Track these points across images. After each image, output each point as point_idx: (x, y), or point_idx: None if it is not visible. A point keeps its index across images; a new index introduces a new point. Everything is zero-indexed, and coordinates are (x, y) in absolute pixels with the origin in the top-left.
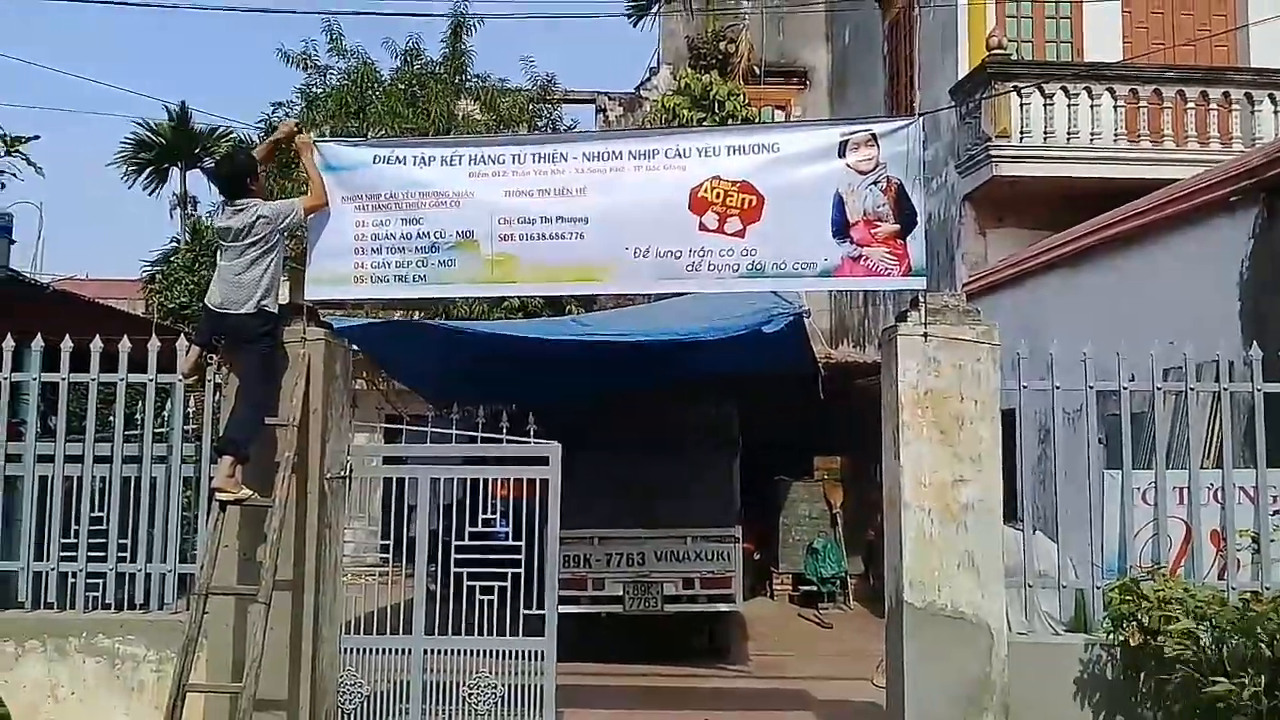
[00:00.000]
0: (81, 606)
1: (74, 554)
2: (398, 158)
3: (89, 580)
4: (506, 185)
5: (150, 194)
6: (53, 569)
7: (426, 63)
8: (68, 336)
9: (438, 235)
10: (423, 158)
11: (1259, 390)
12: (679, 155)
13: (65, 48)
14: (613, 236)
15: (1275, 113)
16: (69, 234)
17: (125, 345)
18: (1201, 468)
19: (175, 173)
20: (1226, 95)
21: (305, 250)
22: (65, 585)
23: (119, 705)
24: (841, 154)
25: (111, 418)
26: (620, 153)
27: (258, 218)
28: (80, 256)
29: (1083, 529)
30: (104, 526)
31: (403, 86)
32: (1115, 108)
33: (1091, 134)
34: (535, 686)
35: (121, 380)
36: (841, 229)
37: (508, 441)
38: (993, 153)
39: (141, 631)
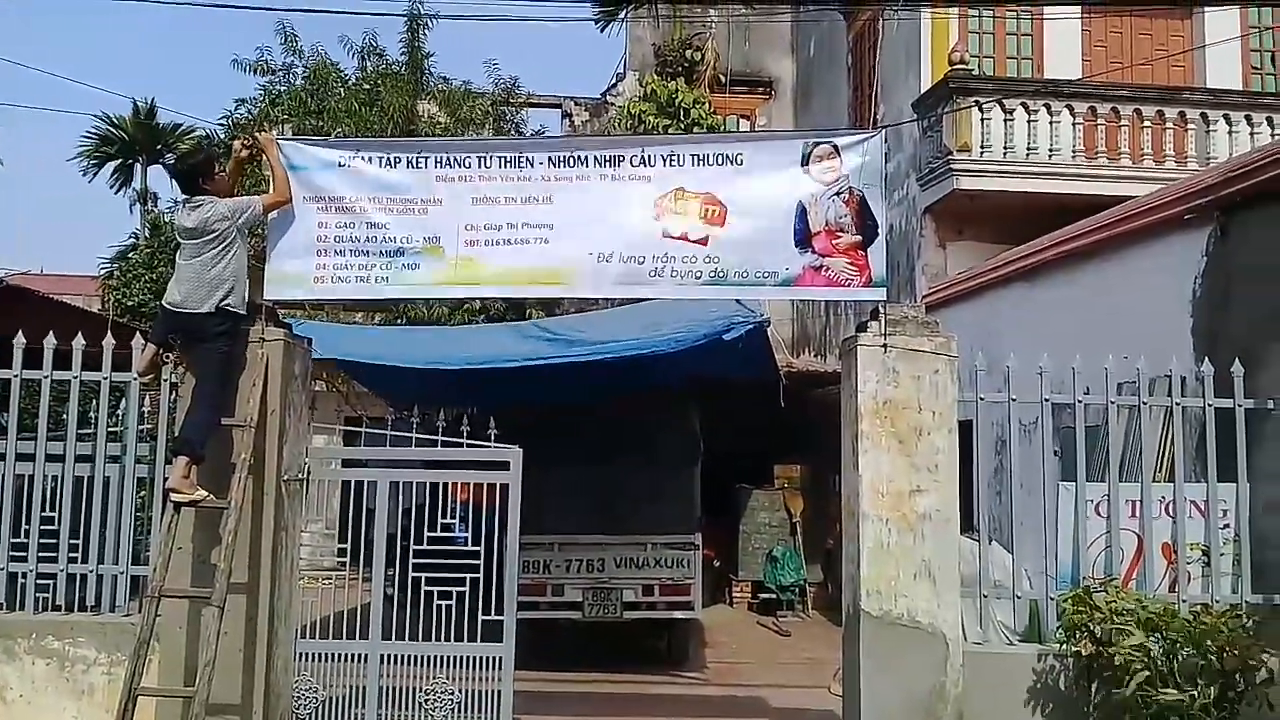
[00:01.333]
0: (31, 607)
1: (24, 554)
2: (363, 159)
3: (39, 581)
4: (474, 191)
5: (115, 190)
6: (2, 569)
7: (389, 63)
8: (20, 333)
9: (404, 240)
10: (389, 159)
11: (1210, 405)
12: (644, 164)
13: (25, 41)
14: (577, 242)
15: (1230, 132)
16: (24, 228)
17: (79, 342)
18: (1154, 481)
19: (138, 169)
20: (1182, 114)
21: (265, 249)
22: (15, 586)
23: (69, 708)
24: (805, 165)
25: (65, 416)
26: (586, 158)
27: (215, 215)
28: (36, 251)
29: (1037, 540)
30: (55, 526)
31: (367, 86)
32: (1074, 124)
33: (1050, 150)
34: (493, 692)
35: (75, 378)
36: (803, 239)
37: (468, 446)
38: (953, 166)
39: (92, 633)
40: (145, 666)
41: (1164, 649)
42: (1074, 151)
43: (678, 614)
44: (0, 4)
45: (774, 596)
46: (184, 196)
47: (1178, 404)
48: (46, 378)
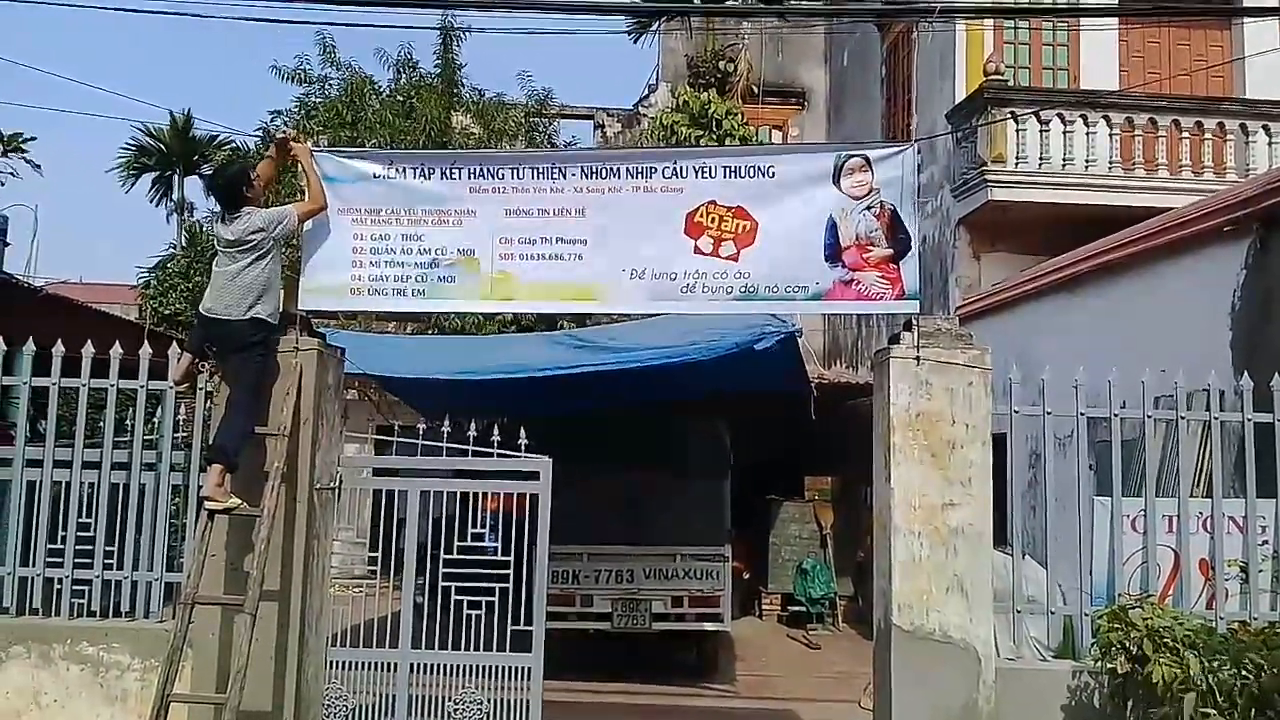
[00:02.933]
0: (67, 613)
1: (60, 560)
2: (398, 171)
3: (75, 587)
4: (507, 203)
5: (154, 203)
6: (38, 575)
7: (421, 74)
8: (60, 341)
9: (439, 251)
10: (423, 170)
11: (1249, 420)
12: (676, 175)
13: (64, 50)
14: (610, 258)
15: (1270, 144)
16: (64, 237)
17: (117, 351)
18: (1191, 496)
19: (175, 179)
20: (1221, 125)
21: (300, 259)
22: (51, 591)
23: (103, 713)
24: (836, 179)
25: (102, 424)
26: (619, 170)
27: (252, 226)
28: (75, 260)
29: (1072, 555)
30: (91, 533)
31: (400, 99)
32: (1110, 135)
33: (1086, 161)
34: (522, 703)
35: (112, 386)
36: (834, 253)
37: (499, 456)
38: (988, 177)
39: (126, 639)
40: (178, 672)
41: (1201, 667)
42: (1110, 163)
43: (707, 626)
44: (43, 19)
45: (804, 609)
46: (223, 210)
47: (1216, 418)
48: (84, 386)
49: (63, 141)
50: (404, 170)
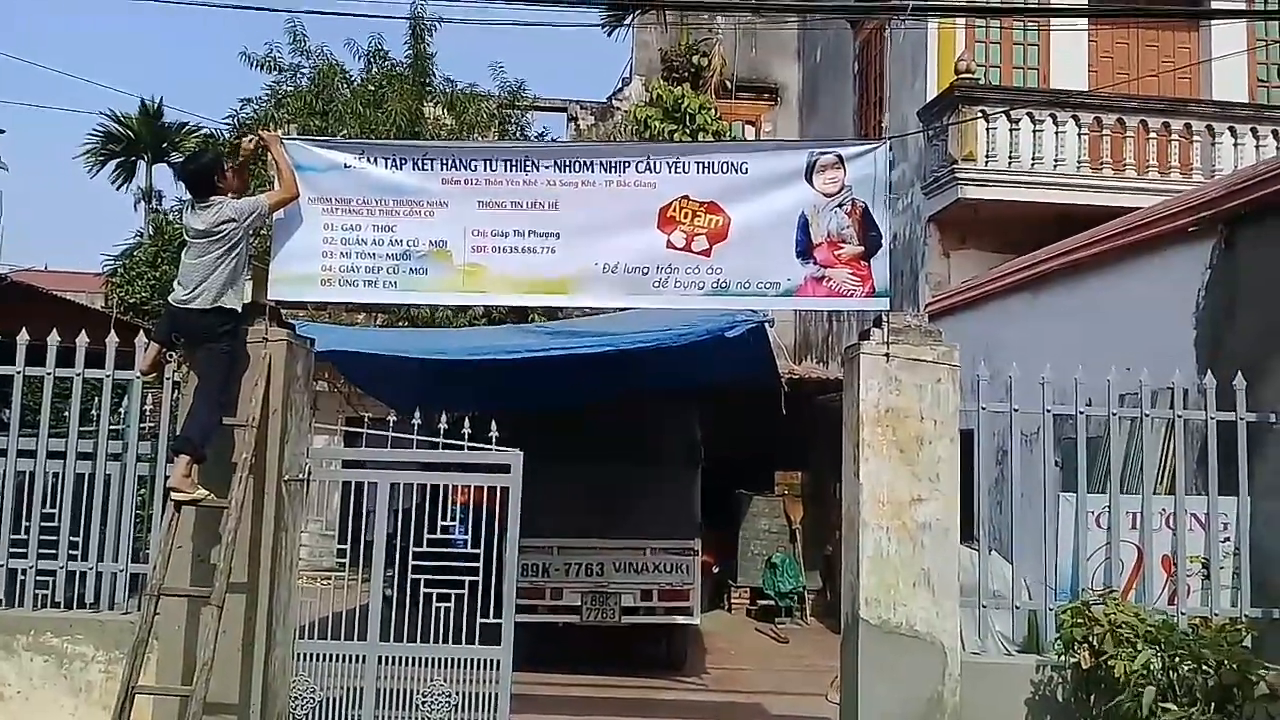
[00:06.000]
0: (31, 604)
1: (24, 550)
2: (369, 160)
3: (39, 578)
4: (479, 195)
5: (118, 188)
6: (2, 565)
7: (392, 64)
8: (24, 329)
9: (411, 243)
10: (395, 161)
11: (1212, 419)
12: (650, 170)
13: (31, 38)
14: (582, 251)
15: (1235, 145)
16: (29, 224)
17: (83, 339)
18: (1155, 493)
19: (142, 166)
20: (1188, 126)
21: (269, 249)
22: (14, 582)
23: (66, 704)
24: (808, 176)
25: (67, 413)
26: (591, 164)
27: (223, 217)
28: (40, 247)
29: (1037, 550)
30: (55, 523)
31: (371, 88)
32: (1079, 135)
33: (1055, 160)
34: (490, 695)
35: (78, 375)
36: (805, 250)
37: (469, 448)
38: (958, 175)
39: (91, 631)
40: (143, 664)
41: (1163, 663)
42: (1079, 162)
43: (676, 619)
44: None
45: (773, 603)
46: (194, 198)
47: (1180, 416)
48: (49, 374)
49: (28, 127)
50: (376, 160)
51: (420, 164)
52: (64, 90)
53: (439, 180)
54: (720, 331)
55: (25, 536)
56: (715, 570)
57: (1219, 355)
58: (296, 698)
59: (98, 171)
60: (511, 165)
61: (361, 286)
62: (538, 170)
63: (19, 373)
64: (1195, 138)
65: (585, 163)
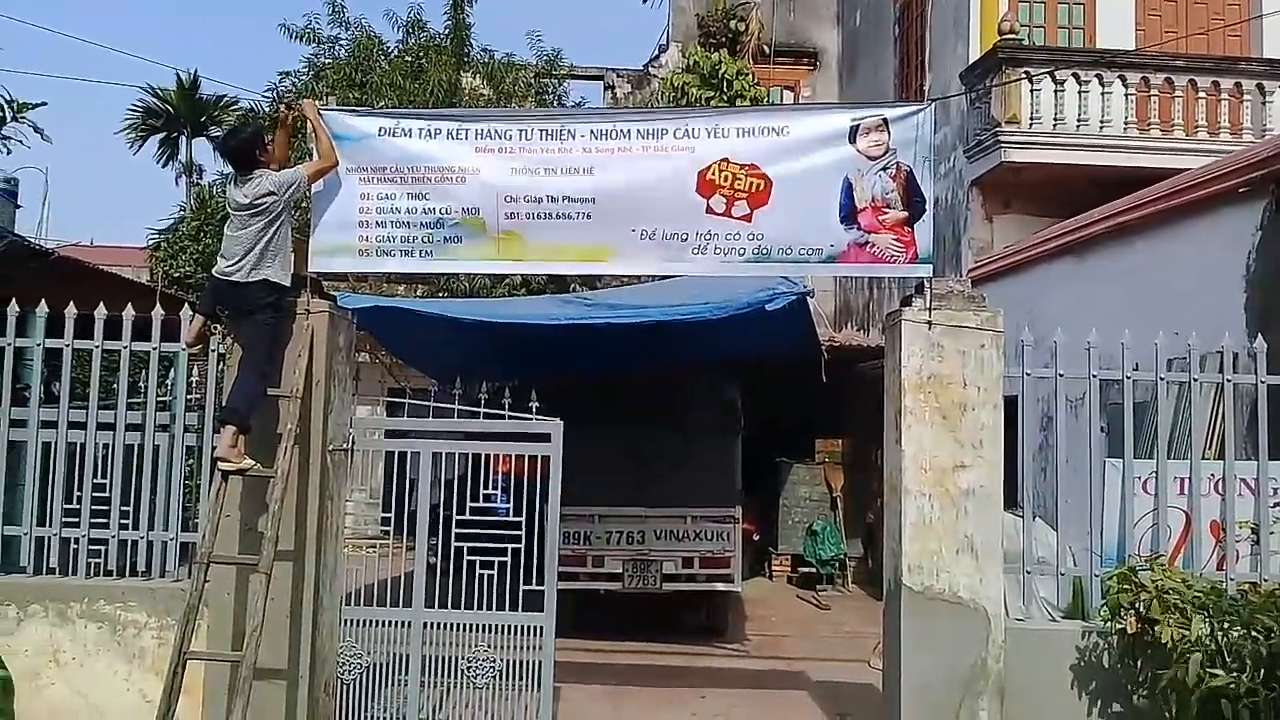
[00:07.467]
0: (84, 572)
1: (77, 520)
2: (403, 130)
3: (91, 546)
4: (513, 162)
5: (160, 163)
6: (55, 534)
7: (431, 35)
8: (72, 303)
9: (444, 211)
10: (429, 130)
11: (1263, 383)
12: (688, 135)
13: (72, 12)
14: (619, 217)
15: None
16: (75, 199)
17: (129, 313)
18: (1203, 458)
19: (182, 142)
20: (1238, 85)
21: (309, 222)
22: (68, 551)
23: (120, 670)
24: (852, 139)
25: (115, 385)
26: (628, 131)
27: (264, 190)
28: (85, 223)
29: (1082, 517)
30: (106, 493)
31: (409, 59)
32: (1126, 96)
33: (1101, 121)
34: (534, 661)
35: (125, 348)
36: (849, 215)
37: (510, 418)
38: (1001, 139)
39: (143, 598)
40: (194, 630)
41: (1211, 629)
42: (1126, 123)
43: (718, 586)
44: None
45: (814, 570)
46: (236, 172)
47: (1229, 381)
48: (97, 348)
49: (72, 103)
50: (409, 130)
51: (454, 133)
52: (105, 63)
53: (473, 149)
54: (760, 304)
55: (78, 506)
56: (756, 538)
57: (1270, 318)
58: (344, 663)
59: (140, 147)
60: (546, 134)
61: (398, 256)
62: (574, 138)
63: (68, 346)
64: (1245, 97)
65: (622, 130)
